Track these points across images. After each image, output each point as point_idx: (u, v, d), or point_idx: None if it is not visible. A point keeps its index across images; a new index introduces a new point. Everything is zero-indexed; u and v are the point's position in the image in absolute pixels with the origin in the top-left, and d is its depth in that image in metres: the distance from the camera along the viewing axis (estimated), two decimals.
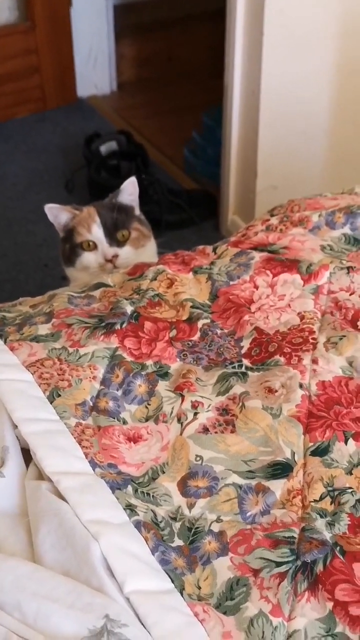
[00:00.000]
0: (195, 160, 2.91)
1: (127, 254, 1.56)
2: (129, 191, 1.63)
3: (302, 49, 2.24)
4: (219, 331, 1.28)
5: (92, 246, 1.56)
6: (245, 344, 1.25)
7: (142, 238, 1.60)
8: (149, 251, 1.63)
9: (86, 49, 3.26)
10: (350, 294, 1.31)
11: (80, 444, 1.09)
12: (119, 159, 2.69)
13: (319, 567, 0.96)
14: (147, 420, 1.15)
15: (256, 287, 1.33)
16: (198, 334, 1.27)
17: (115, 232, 1.56)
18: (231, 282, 1.34)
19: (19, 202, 2.75)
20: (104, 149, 2.72)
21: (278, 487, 1.04)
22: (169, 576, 0.96)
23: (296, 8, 2.16)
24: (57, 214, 1.60)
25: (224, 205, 2.59)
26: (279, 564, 0.96)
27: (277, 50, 2.21)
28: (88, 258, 1.56)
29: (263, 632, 0.90)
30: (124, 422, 1.15)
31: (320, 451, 1.09)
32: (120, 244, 1.56)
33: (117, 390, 1.18)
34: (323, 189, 2.15)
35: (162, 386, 1.19)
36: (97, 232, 1.55)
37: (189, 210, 2.66)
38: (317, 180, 2.44)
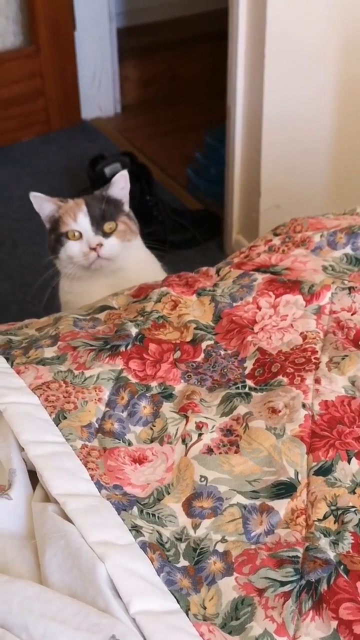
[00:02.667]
0: (199, 180, 2.93)
1: (112, 245, 1.57)
2: (120, 185, 1.65)
3: (304, 69, 2.26)
4: (222, 352, 1.29)
5: (77, 236, 1.57)
6: (249, 364, 1.26)
7: (128, 232, 1.62)
8: (135, 247, 1.64)
9: (90, 71, 3.29)
10: (352, 314, 1.32)
11: (86, 466, 1.10)
12: None
13: (323, 586, 0.97)
14: (152, 441, 1.16)
15: (259, 308, 1.34)
16: (202, 355, 1.29)
17: (102, 223, 1.57)
18: (234, 304, 1.36)
19: (25, 224, 2.77)
20: (108, 170, 2.74)
21: (282, 506, 1.05)
22: (175, 596, 0.97)
23: (297, 28, 2.19)
24: (41, 203, 1.62)
25: (228, 225, 2.61)
26: (283, 584, 0.97)
27: (279, 71, 2.23)
28: (72, 247, 1.57)
29: None
30: (129, 444, 1.16)
31: (324, 470, 1.10)
32: (106, 234, 1.57)
33: (123, 412, 1.19)
34: (326, 207, 2.17)
35: (167, 407, 1.20)
36: (82, 221, 1.57)
37: (193, 230, 2.68)
38: (321, 199, 2.46)
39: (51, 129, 3.23)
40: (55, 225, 1.61)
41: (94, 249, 1.56)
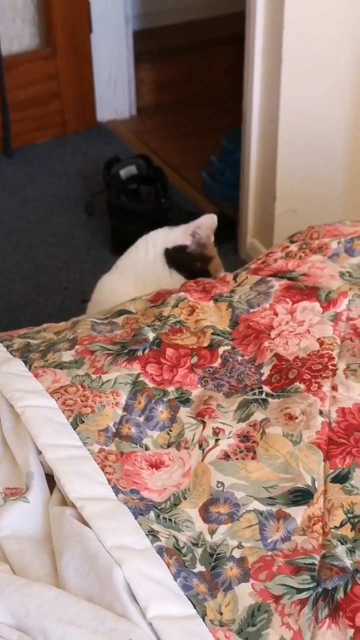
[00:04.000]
0: (214, 183, 2.93)
1: None
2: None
3: (321, 74, 2.26)
4: (239, 358, 1.29)
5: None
6: (266, 370, 1.27)
7: None
8: None
9: (106, 74, 3.30)
10: None
11: (103, 470, 1.11)
12: (138, 183, 2.72)
13: (340, 594, 0.97)
14: (169, 446, 1.17)
15: (276, 314, 1.34)
16: (219, 361, 1.29)
17: None
18: (251, 310, 1.36)
19: (39, 226, 2.78)
20: (123, 173, 2.75)
21: (299, 513, 1.06)
22: (191, 602, 0.97)
23: (315, 33, 2.19)
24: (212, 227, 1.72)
25: (243, 229, 2.61)
26: (300, 591, 0.97)
27: (296, 75, 2.23)
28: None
29: None
30: (146, 448, 1.16)
31: (341, 478, 1.10)
32: None
33: (140, 416, 1.20)
34: (342, 212, 2.17)
35: (184, 412, 1.21)
36: None
37: None
38: (336, 204, 2.46)
39: (67, 131, 3.23)
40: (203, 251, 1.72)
41: None
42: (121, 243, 2.69)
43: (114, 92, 3.35)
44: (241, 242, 2.64)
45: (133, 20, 3.32)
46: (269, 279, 1.42)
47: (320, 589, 0.97)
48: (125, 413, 1.20)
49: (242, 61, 2.34)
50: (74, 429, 1.16)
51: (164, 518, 1.07)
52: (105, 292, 1.72)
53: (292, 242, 1.55)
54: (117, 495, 1.08)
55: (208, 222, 1.70)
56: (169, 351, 1.29)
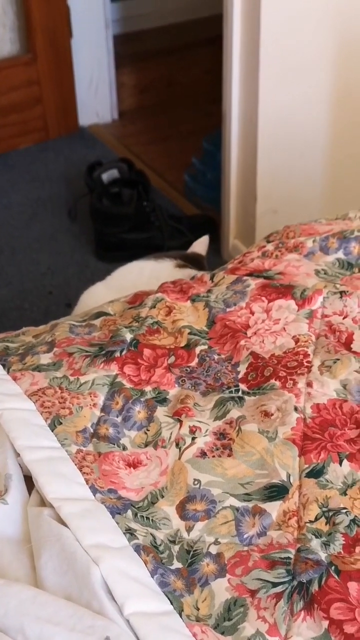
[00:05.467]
0: (196, 185, 2.94)
1: None
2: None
3: (299, 75, 2.28)
4: (216, 357, 1.30)
5: None
6: (242, 368, 1.28)
7: None
8: None
9: (87, 78, 3.31)
10: (344, 318, 1.34)
11: (81, 471, 1.12)
12: (120, 186, 2.73)
13: (315, 587, 0.98)
14: (146, 445, 1.18)
15: (252, 313, 1.36)
16: (196, 360, 1.30)
17: None
18: (228, 309, 1.37)
19: (23, 231, 2.79)
20: (105, 177, 2.76)
21: (274, 508, 1.07)
22: (168, 598, 0.98)
23: (292, 35, 2.20)
24: None
25: (225, 230, 2.63)
26: (275, 585, 0.98)
27: (274, 77, 2.25)
28: None
29: None
30: (124, 448, 1.17)
31: (315, 472, 1.11)
32: None
33: (117, 416, 1.21)
34: (322, 211, 2.18)
35: (161, 412, 1.22)
36: None
37: (191, 235, 2.69)
38: (317, 203, 2.48)
39: (49, 136, 3.24)
40: None
41: None
42: (105, 246, 2.72)
43: (95, 96, 3.36)
44: (224, 243, 2.66)
45: (113, 25, 3.33)
46: (245, 278, 1.43)
47: (295, 583, 0.99)
48: (102, 414, 1.21)
49: (221, 63, 2.35)
50: (52, 431, 1.17)
51: (142, 516, 1.08)
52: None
53: (268, 241, 1.57)
54: (94, 495, 1.09)
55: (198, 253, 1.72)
56: (146, 352, 1.30)
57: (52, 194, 2.97)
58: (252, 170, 2.40)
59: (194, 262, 1.73)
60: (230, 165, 2.47)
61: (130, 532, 1.04)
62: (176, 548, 1.04)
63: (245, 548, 1.03)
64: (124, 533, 1.04)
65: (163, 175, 3.07)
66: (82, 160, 3.04)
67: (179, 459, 1.14)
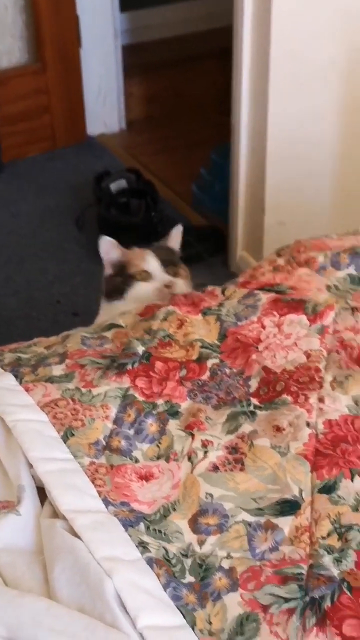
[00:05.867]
0: (203, 196, 2.95)
1: (181, 285, 1.66)
2: (177, 238, 1.75)
3: (308, 89, 2.29)
4: (227, 370, 1.31)
5: (147, 276, 1.63)
6: (254, 383, 1.29)
7: (187, 278, 1.71)
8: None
9: (95, 88, 3.32)
10: (355, 334, 1.34)
11: (93, 483, 1.12)
12: (128, 196, 2.74)
13: (327, 603, 0.98)
14: (158, 458, 1.18)
15: (263, 327, 1.36)
16: (207, 374, 1.31)
17: (168, 266, 1.67)
18: (239, 323, 1.38)
19: (31, 240, 2.80)
20: (113, 186, 2.77)
21: (286, 524, 1.07)
22: (181, 612, 0.99)
23: (302, 49, 2.21)
24: (110, 248, 1.69)
25: (233, 241, 2.64)
26: (287, 600, 0.99)
27: (283, 90, 2.26)
28: (142, 288, 1.65)
29: None
30: (136, 461, 1.18)
31: (328, 488, 1.12)
32: (173, 276, 1.66)
33: (129, 429, 1.22)
34: (330, 224, 2.19)
35: (173, 425, 1.23)
36: (152, 263, 1.66)
37: (198, 246, 2.70)
38: (324, 216, 2.48)
39: (57, 145, 3.26)
40: (122, 269, 1.68)
41: (169, 287, 1.62)
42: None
43: (104, 106, 3.37)
44: (231, 254, 2.67)
45: (122, 35, 3.35)
46: (256, 292, 1.44)
47: (307, 598, 0.99)
48: (115, 426, 1.21)
49: (229, 75, 2.36)
50: (65, 443, 1.17)
51: (154, 529, 1.08)
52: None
53: (279, 255, 1.58)
54: (107, 508, 1.09)
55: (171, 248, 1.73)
56: (158, 364, 1.31)
57: (59, 203, 2.98)
58: (261, 182, 2.41)
59: (168, 254, 1.72)
60: (238, 177, 2.48)
61: (142, 545, 1.04)
62: (188, 562, 1.05)
63: (258, 563, 1.04)
64: (136, 546, 1.04)
65: (171, 186, 3.08)
66: (89, 170, 3.05)
67: (191, 472, 1.15)
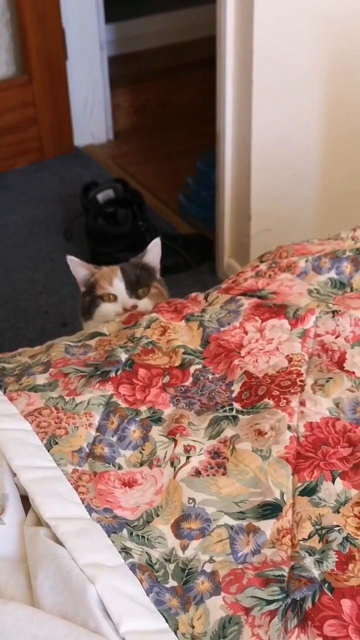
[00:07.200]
0: (190, 204, 2.97)
1: (145, 306, 1.64)
2: (154, 252, 1.72)
3: (291, 95, 2.30)
4: (210, 376, 1.32)
5: (112, 298, 1.64)
6: (236, 388, 1.29)
7: (159, 296, 1.68)
8: None
9: (82, 99, 3.34)
10: (336, 337, 1.35)
11: (76, 490, 1.13)
12: (115, 206, 2.76)
13: (308, 604, 0.99)
14: (141, 465, 1.19)
15: (246, 332, 1.37)
16: (190, 379, 1.32)
17: (136, 287, 1.65)
18: (222, 329, 1.39)
19: (19, 250, 2.81)
20: (101, 197, 2.78)
21: (268, 527, 1.08)
22: (164, 616, 0.99)
23: (283, 56, 2.23)
24: (75, 267, 1.69)
25: (220, 249, 2.65)
26: (269, 602, 0.99)
27: (267, 97, 2.27)
28: (107, 308, 1.64)
29: None
30: (119, 468, 1.19)
31: (309, 491, 1.12)
32: (139, 297, 1.63)
33: (113, 436, 1.22)
34: (316, 230, 2.20)
35: (156, 431, 1.23)
36: (118, 285, 1.64)
37: (185, 254, 2.72)
38: (310, 222, 2.50)
39: (44, 156, 3.27)
40: (91, 288, 1.68)
41: (128, 310, 1.62)
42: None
43: (91, 117, 3.39)
44: (219, 262, 2.68)
45: (108, 46, 3.37)
46: (238, 297, 1.45)
47: (289, 600, 1.00)
48: (98, 434, 1.22)
49: (214, 83, 2.38)
50: (48, 451, 1.18)
51: (137, 535, 1.09)
52: None
53: (261, 261, 1.59)
54: (90, 514, 1.10)
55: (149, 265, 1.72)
56: (141, 371, 1.32)
57: (47, 213, 2.99)
58: (246, 190, 2.43)
59: (140, 272, 1.71)
60: (224, 185, 2.49)
61: (125, 551, 1.05)
62: (171, 566, 1.05)
63: (240, 566, 1.04)
64: (119, 552, 1.05)
65: (158, 195, 3.09)
66: (77, 180, 3.06)
67: (174, 478, 1.15)
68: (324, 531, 1.07)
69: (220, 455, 1.18)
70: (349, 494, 1.12)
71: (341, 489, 1.13)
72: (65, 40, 3.18)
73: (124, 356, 1.33)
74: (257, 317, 1.39)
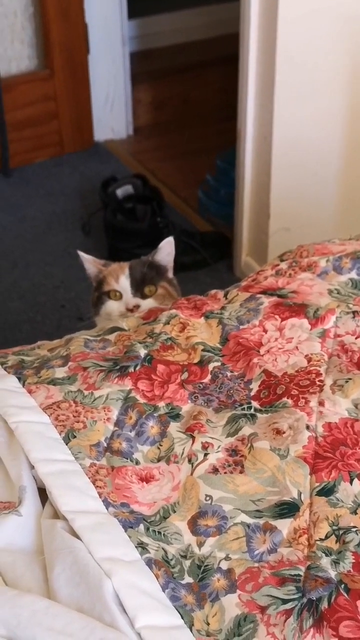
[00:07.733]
0: (209, 202, 2.97)
1: (148, 306, 1.63)
2: (166, 251, 1.71)
3: (313, 95, 2.30)
4: (229, 374, 1.32)
5: (118, 296, 1.64)
6: (255, 386, 1.29)
7: (168, 297, 1.67)
8: None
9: (103, 94, 3.34)
10: (356, 338, 1.35)
11: (94, 484, 1.13)
12: (134, 202, 2.76)
13: (324, 605, 0.99)
14: (159, 460, 1.19)
15: (265, 330, 1.37)
16: (209, 377, 1.32)
17: (142, 286, 1.65)
18: (241, 327, 1.38)
19: (37, 245, 2.82)
20: (120, 192, 2.78)
21: (285, 526, 1.08)
22: (179, 612, 0.99)
23: (306, 54, 2.23)
24: (85, 263, 1.70)
25: (238, 247, 2.65)
26: (285, 601, 0.99)
27: (289, 96, 2.27)
28: (111, 306, 1.65)
29: None
30: (137, 463, 1.19)
31: (326, 491, 1.12)
32: (144, 296, 1.63)
33: (131, 431, 1.22)
34: (335, 230, 2.20)
35: (174, 427, 1.23)
36: (123, 283, 1.65)
37: (203, 251, 2.72)
38: (329, 222, 2.49)
39: (64, 150, 3.28)
40: (100, 284, 1.69)
41: (131, 310, 1.61)
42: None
43: (111, 112, 3.39)
44: (236, 260, 2.68)
45: (130, 42, 3.37)
46: (258, 296, 1.45)
47: (305, 600, 0.99)
48: (116, 428, 1.22)
49: (236, 81, 2.38)
50: (66, 444, 1.18)
51: (154, 531, 1.09)
52: None
53: (282, 260, 1.58)
54: (107, 509, 1.10)
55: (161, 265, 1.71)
56: (160, 367, 1.32)
57: (66, 208, 2.99)
58: (266, 188, 2.42)
59: (149, 271, 1.70)
60: (244, 183, 2.49)
61: (142, 546, 1.05)
62: (187, 563, 1.05)
63: (256, 564, 1.04)
64: (135, 547, 1.05)
65: (177, 192, 3.09)
66: (96, 176, 3.07)
67: (191, 474, 1.16)
68: (341, 532, 1.07)
69: (238, 453, 1.18)
70: None
71: (359, 490, 1.12)
72: (87, 35, 3.18)
73: (143, 352, 1.34)
74: (277, 316, 1.39)
